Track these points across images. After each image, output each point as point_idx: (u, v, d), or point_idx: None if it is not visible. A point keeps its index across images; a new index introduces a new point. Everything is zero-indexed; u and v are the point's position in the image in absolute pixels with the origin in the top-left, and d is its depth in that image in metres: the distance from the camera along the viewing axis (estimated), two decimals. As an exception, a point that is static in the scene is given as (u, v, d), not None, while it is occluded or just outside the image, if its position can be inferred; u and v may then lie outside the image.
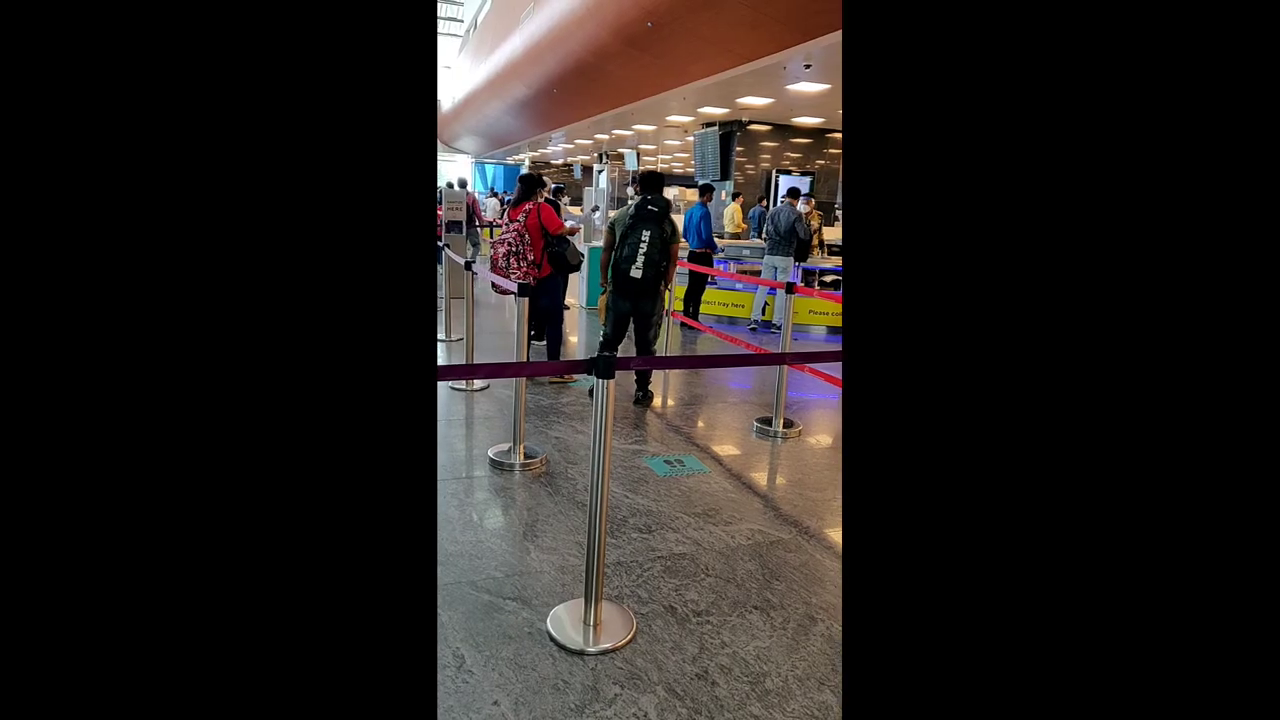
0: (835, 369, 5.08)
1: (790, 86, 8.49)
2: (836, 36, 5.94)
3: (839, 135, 12.28)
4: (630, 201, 4.02)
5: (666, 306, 5.43)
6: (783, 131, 11.86)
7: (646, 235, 3.75)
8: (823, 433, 3.95)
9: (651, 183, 3.92)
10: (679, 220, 5.72)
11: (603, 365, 1.92)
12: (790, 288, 3.78)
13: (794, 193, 6.57)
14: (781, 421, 3.79)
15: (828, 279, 7.21)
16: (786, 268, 6.44)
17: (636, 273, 3.77)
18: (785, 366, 3.76)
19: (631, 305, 3.93)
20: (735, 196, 10.30)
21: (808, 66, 7.43)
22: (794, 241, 6.36)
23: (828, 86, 8.49)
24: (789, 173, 11.60)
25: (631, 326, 4.07)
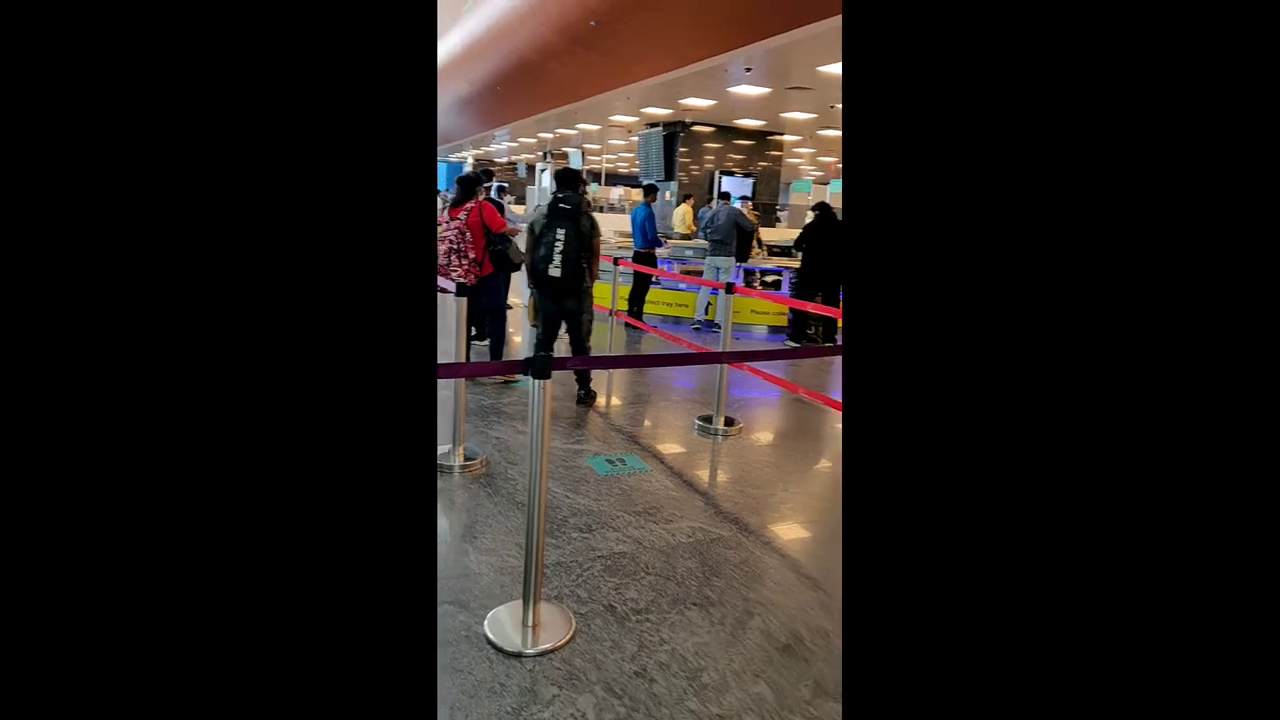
0: (775, 368, 5.17)
1: (732, 89, 8.60)
2: (776, 41, 6.05)
3: (780, 138, 12.51)
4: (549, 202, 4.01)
5: (612, 307, 5.43)
6: (726, 133, 12.01)
7: (561, 233, 3.74)
8: (763, 430, 4.02)
9: (565, 180, 3.91)
10: (623, 219, 5.73)
11: (538, 366, 1.90)
12: (730, 288, 3.83)
13: (725, 196, 6.93)
14: (723, 419, 3.84)
15: (769, 279, 7.34)
16: (728, 268, 6.52)
17: (555, 271, 3.76)
18: (725, 365, 3.81)
19: (556, 305, 3.92)
20: (686, 198, 10.37)
21: (748, 70, 7.55)
22: (735, 240, 6.47)
23: (768, 90, 8.63)
24: (732, 174, 11.76)
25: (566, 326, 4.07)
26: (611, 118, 12.22)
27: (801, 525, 2.80)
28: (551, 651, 1.90)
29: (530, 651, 1.88)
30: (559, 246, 3.74)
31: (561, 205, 3.78)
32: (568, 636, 1.96)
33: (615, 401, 4.40)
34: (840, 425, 4.11)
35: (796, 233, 6.66)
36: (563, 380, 4.34)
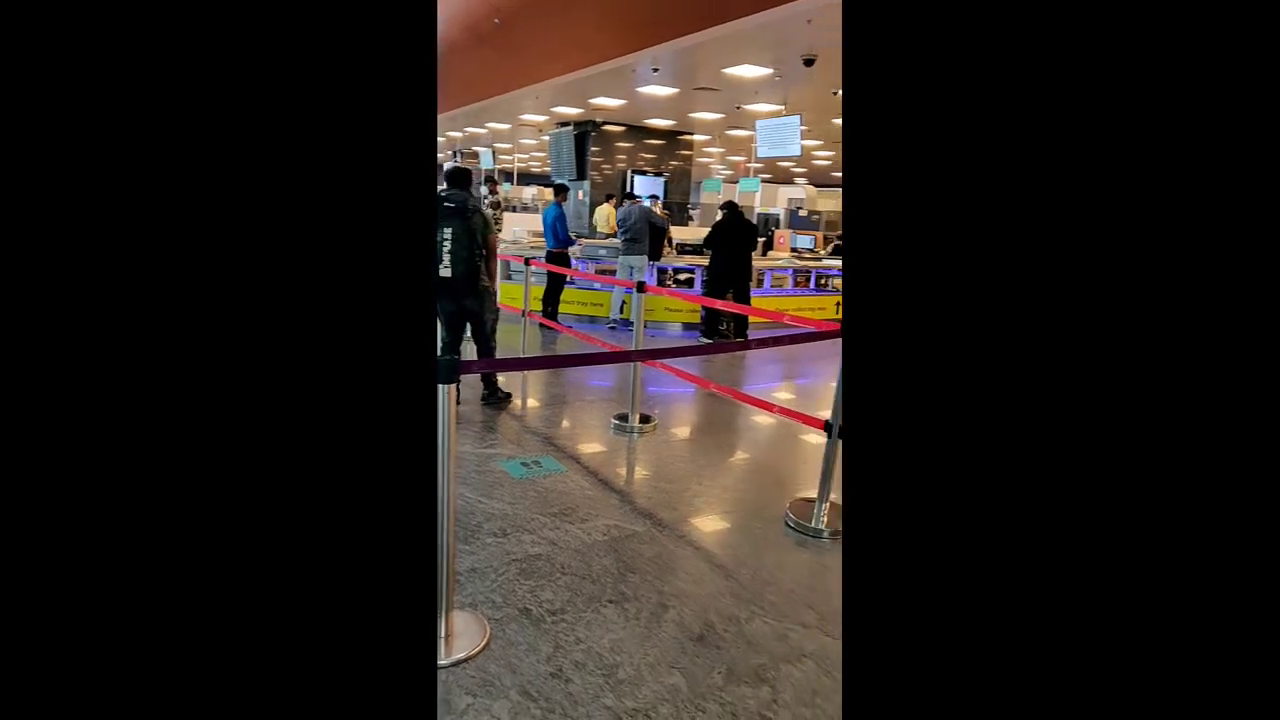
0: (689, 364, 5.26)
1: (641, 89, 8.67)
2: (682, 42, 6.15)
3: (691, 138, 12.71)
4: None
5: (524, 308, 5.38)
6: (637, 133, 12.09)
7: (449, 232, 3.68)
8: (678, 426, 4.08)
9: (452, 179, 3.86)
10: (537, 219, 5.68)
11: (444, 370, 1.87)
12: (641, 286, 3.87)
13: (631, 196, 7.20)
14: (638, 417, 3.88)
15: (682, 277, 7.45)
16: (641, 266, 6.58)
17: (445, 271, 3.71)
18: (638, 363, 3.85)
19: (455, 305, 3.85)
20: (609, 198, 10.39)
21: (655, 70, 7.63)
22: (648, 238, 6.54)
23: (676, 90, 8.76)
24: (644, 173, 11.86)
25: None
26: (521, 116, 12.08)
27: (714, 516, 2.87)
28: (466, 660, 1.87)
29: (444, 662, 1.85)
30: (447, 246, 3.68)
31: (446, 204, 3.71)
32: (482, 644, 1.94)
33: (531, 403, 4.37)
34: (754, 418, 4.23)
35: (708, 231, 6.79)
36: (473, 383, 4.27)
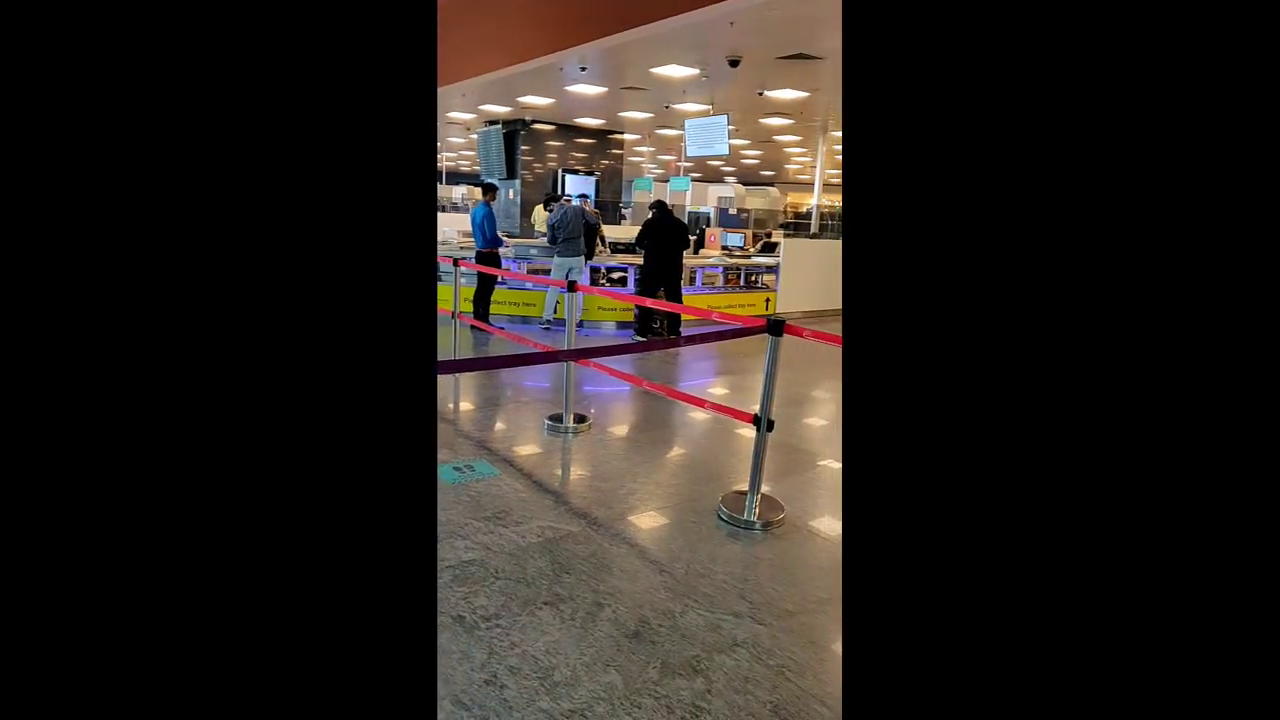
0: (622, 363, 5.28)
1: (569, 87, 8.64)
2: (609, 41, 6.15)
3: (621, 136, 12.74)
4: None
5: (454, 310, 5.28)
6: (567, 131, 12.04)
7: None
8: (613, 425, 4.09)
9: None
10: (465, 219, 5.58)
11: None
12: (571, 286, 3.86)
13: (557, 197, 7.38)
14: (572, 417, 3.87)
15: (615, 276, 7.47)
16: (578, 266, 6.57)
17: None
18: (572, 363, 3.84)
19: None
20: (546, 202, 10.31)
21: (583, 69, 7.62)
22: (581, 236, 6.55)
23: (605, 89, 8.76)
24: (576, 172, 11.82)
25: None
26: (449, 114, 11.83)
27: (649, 513, 2.89)
28: (396, 671, 1.83)
29: (372, 674, 1.80)
30: None
31: None
32: (413, 653, 1.90)
33: (464, 407, 4.30)
34: (688, 414, 4.28)
35: (639, 230, 6.83)
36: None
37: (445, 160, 19.93)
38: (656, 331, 6.71)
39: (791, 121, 11.09)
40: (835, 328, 5.88)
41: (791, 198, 19.92)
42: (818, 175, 11.67)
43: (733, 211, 13.17)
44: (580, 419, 3.94)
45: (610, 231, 8.98)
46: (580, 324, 6.84)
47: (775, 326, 2.72)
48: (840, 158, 16.81)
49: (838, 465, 3.54)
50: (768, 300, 8.09)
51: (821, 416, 4.48)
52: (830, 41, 6.22)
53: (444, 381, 4.64)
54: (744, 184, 16.37)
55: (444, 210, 12.36)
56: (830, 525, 2.85)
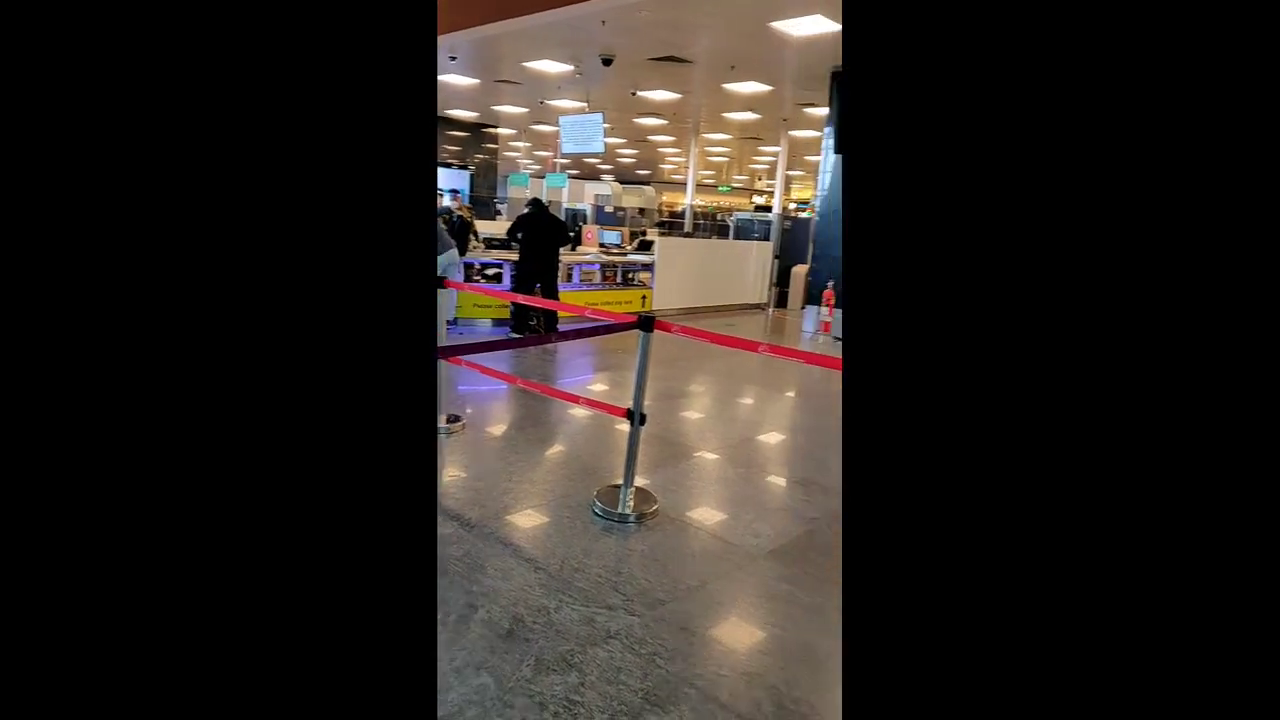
0: (498, 360, 5.19)
1: (440, 78, 8.36)
2: (476, 32, 6.01)
3: (496, 131, 12.49)
4: None
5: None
6: (440, 123, 11.64)
7: None
8: (489, 424, 4.02)
9: None
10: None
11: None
12: (440, 282, 3.75)
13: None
14: (445, 417, 3.76)
15: (490, 273, 7.32)
16: (453, 262, 6.38)
17: None
18: (443, 360, 3.72)
19: None
20: None
21: (454, 59, 7.40)
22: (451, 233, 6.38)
23: (478, 81, 8.56)
24: (449, 165, 11.47)
25: None
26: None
27: (524, 511, 2.87)
28: (247, 694, 1.70)
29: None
30: None
31: None
32: (267, 673, 1.78)
33: (325, 410, 4.06)
34: (565, 411, 4.28)
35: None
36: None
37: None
38: (533, 329, 6.65)
39: (665, 122, 11.33)
40: (709, 324, 6.05)
41: (667, 197, 20.37)
42: (690, 175, 12.01)
43: (610, 209, 13.27)
44: (454, 419, 3.83)
45: (484, 227, 8.78)
46: (454, 321, 6.65)
47: (646, 323, 2.78)
48: (711, 159, 17.34)
49: (711, 456, 3.67)
50: (644, 297, 8.23)
51: (696, 410, 4.62)
52: (700, 45, 6.42)
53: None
54: (621, 182, 16.54)
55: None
56: (703, 515, 2.96)
